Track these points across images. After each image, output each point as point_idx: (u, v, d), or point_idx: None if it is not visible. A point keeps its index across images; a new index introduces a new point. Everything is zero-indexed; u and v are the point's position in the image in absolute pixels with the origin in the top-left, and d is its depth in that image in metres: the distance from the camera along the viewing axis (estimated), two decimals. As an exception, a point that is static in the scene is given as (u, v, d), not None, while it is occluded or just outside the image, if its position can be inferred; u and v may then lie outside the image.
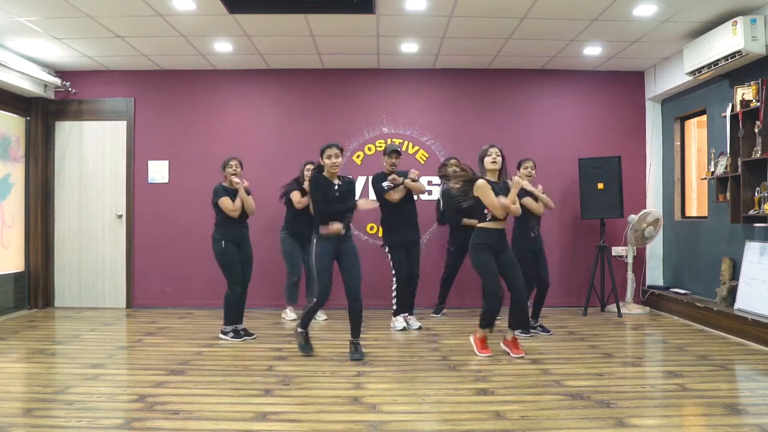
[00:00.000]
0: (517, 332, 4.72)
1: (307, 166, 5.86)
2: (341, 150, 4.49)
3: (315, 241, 4.41)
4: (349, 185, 4.54)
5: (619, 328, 5.67)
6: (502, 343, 4.54)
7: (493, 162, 4.38)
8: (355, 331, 4.45)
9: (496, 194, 4.33)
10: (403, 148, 6.83)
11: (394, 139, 6.88)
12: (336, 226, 4.31)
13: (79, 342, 5.05)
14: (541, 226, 5.29)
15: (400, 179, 5.31)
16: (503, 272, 4.39)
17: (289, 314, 6.06)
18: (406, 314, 5.57)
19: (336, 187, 4.44)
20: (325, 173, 4.45)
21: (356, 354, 4.39)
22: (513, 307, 4.40)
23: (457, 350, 4.68)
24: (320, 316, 6.01)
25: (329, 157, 4.41)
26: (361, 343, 4.49)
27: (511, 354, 4.42)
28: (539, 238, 5.23)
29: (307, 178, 5.78)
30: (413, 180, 5.35)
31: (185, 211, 6.80)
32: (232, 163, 5.10)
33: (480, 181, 4.34)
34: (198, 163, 6.81)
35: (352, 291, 4.38)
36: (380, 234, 6.76)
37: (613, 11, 5.10)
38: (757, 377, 3.96)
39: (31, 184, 6.70)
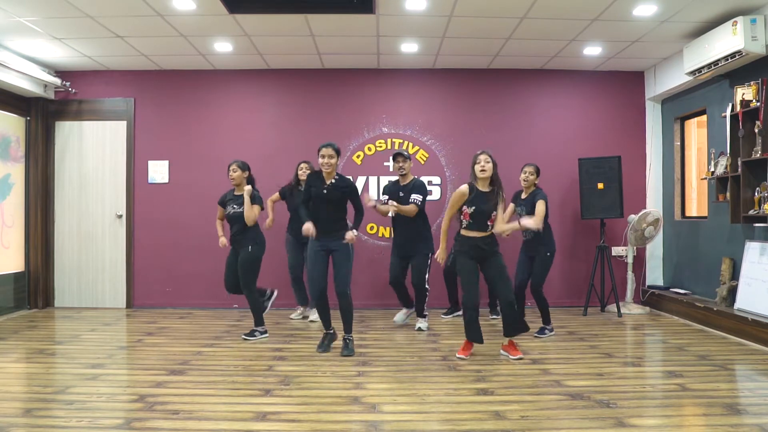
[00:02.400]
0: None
1: (301, 166, 5.85)
2: (336, 151, 4.50)
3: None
4: (343, 189, 4.50)
5: (619, 328, 5.66)
6: (501, 349, 4.51)
7: (482, 170, 4.25)
8: (347, 327, 4.54)
9: (483, 203, 4.22)
10: (403, 148, 6.82)
11: (394, 139, 6.88)
12: (307, 226, 4.43)
13: (79, 342, 5.05)
14: (544, 230, 5.03)
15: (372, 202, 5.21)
16: (489, 280, 4.38)
17: (312, 316, 5.86)
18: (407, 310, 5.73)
19: (325, 185, 4.48)
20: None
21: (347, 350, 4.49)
22: (503, 315, 4.36)
23: (457, 350, 4.67)
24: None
25: (322, 156, 4.48)
26: (363, 343, 4.48)
27: (510, 357, 4.38)
28: (535, 242, 5.07)
29: (301, 178, 5.78)
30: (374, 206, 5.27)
31: (185, 211, 6.80)
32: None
33: (462, 187, 4.31)
34: (198, 163, 6.81)
35: (337, 287, 4.47)
36: (380, 234, 6.80)
37: (613, 11, 5.10)
38: (757, 377, 3.96)
39: (31, 184, 6.69)
